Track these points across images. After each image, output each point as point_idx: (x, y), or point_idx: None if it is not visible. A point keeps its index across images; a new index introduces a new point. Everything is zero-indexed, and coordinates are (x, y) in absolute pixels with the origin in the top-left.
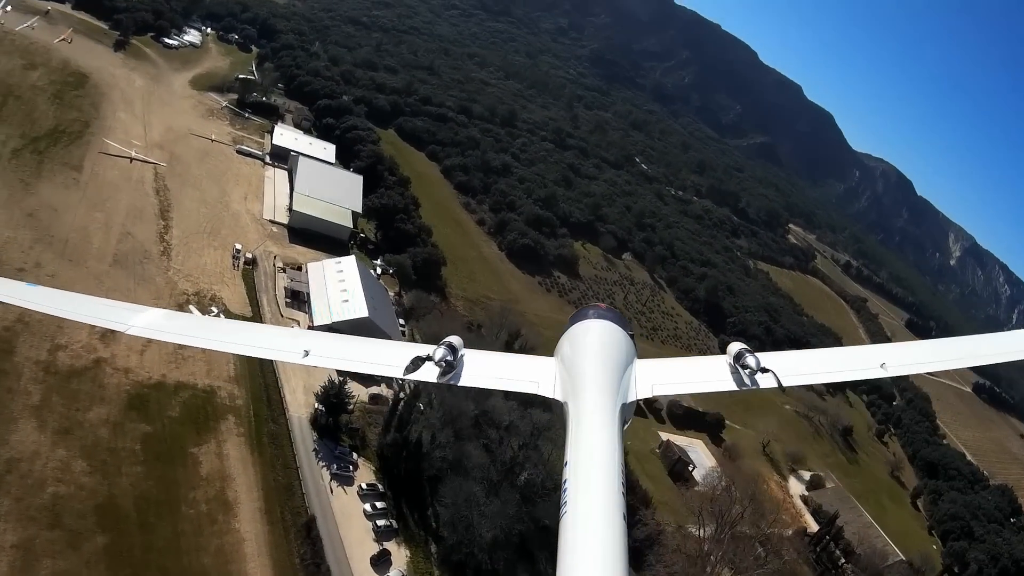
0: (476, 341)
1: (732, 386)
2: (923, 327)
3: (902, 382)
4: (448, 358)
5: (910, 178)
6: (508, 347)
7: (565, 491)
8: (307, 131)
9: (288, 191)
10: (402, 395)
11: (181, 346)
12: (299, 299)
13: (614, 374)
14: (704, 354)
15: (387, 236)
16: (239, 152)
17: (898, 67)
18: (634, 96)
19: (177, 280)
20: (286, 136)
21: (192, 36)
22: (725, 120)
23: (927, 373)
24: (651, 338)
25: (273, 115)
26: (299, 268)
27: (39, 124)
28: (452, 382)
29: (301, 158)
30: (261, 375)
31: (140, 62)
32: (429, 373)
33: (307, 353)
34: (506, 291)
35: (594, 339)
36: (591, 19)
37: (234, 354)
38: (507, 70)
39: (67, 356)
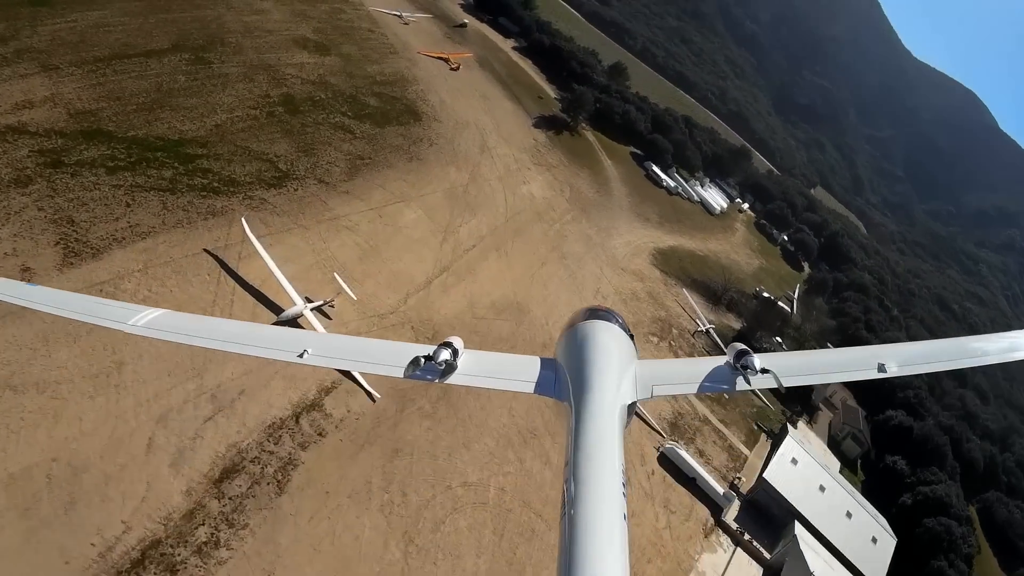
0: None
1: (733, 387)
2: None
3: None
4: (448, 358)
5: None
6: None
7: (566, 491)
8: (849, 464)
9: None
10: None
11: None
12: None
13: (615, 375)
14: None
15: None
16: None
17: None
18: None
19: None
20: (797, 457)
21: (712, 195)
22: None
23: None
24: None
25: (802, 403)
26: None
27: (196, 136)
28: (452, 382)
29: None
30: None
31: (575, 167)
32: (429, 373)
33: (304, 352)
34: None
35: (594, 340)
36: None
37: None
38: None
39: None
